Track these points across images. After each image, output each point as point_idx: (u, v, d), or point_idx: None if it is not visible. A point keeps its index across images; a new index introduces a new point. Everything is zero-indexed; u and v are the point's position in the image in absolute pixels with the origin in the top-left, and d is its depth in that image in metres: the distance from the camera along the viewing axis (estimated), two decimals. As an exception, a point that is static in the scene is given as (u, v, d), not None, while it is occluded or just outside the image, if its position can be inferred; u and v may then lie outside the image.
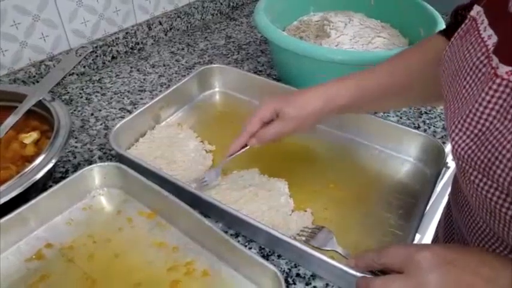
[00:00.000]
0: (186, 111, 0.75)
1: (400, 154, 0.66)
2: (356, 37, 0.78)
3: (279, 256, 0.51)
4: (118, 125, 0.62)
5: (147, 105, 0.68)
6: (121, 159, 0.60)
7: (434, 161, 0.62)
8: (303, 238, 0.50)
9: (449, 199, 0.56)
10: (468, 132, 0.34)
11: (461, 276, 0.33)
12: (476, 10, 0.37)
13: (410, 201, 0.58)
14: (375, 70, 0.53)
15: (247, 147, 0.55)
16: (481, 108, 0.33)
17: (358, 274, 0.42)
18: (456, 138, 0.35)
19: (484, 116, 0.33)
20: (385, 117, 0.74)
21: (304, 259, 0.49)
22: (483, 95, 0.32)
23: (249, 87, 0.77)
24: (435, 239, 0.64)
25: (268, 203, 0.56)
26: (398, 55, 0.54)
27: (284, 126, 0.52)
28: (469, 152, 0.34)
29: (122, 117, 0.63)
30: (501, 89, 0.31)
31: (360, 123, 0.67)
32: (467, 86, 0.35)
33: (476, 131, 0.33)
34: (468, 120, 0.34)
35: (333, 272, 0.46)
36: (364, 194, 0.60)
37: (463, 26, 0.39)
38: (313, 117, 0.52)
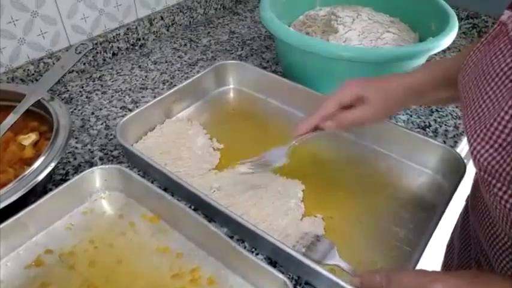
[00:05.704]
0: (199, 107, 0.73)
1: (418, 165, 0.61)
2: (365, 32, 0.75)
3: (287, 262, 0.49)
4: (125, 118, 0.61)
5: (160, 97, 0.66)
6: (126, 153, 0.58)
7: (452, 174, 0.57)
8: (302, 249, 0.47)
9: (466, 203, 0.53)
10: (492, 142, 0.32)
11: None
12: (508, 15, 0.35)
13: (423, 216, 0.54)
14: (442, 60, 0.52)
15: (317, 131, 0.51)
16: (506, 117, 0.31)
17: None
18: (478, 148, 0.33)
19: (510, 125, 0.30)
20: (394, 117, 0.72)
21: (305, 272, 0.46)
22: (510, 102, 0.30)
23: (265, 85, 0.74)
24: (450, 245, 0.61)
25: (276, 206, 0.54)
26: None
27: (368, 113, 0.49)
28: (493, 162, 0.32)
29: (123, 117, 0.61)
30: None
31: (380, 131, 0.63)
32: (490, 92, 0.33)
33: (500, 141, 0.31)
34: (492, 129, 0.32)
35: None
36: (374, 205, 0.56)
37: (491, 31, 0.37)
38: (395, 105, 0.51)
